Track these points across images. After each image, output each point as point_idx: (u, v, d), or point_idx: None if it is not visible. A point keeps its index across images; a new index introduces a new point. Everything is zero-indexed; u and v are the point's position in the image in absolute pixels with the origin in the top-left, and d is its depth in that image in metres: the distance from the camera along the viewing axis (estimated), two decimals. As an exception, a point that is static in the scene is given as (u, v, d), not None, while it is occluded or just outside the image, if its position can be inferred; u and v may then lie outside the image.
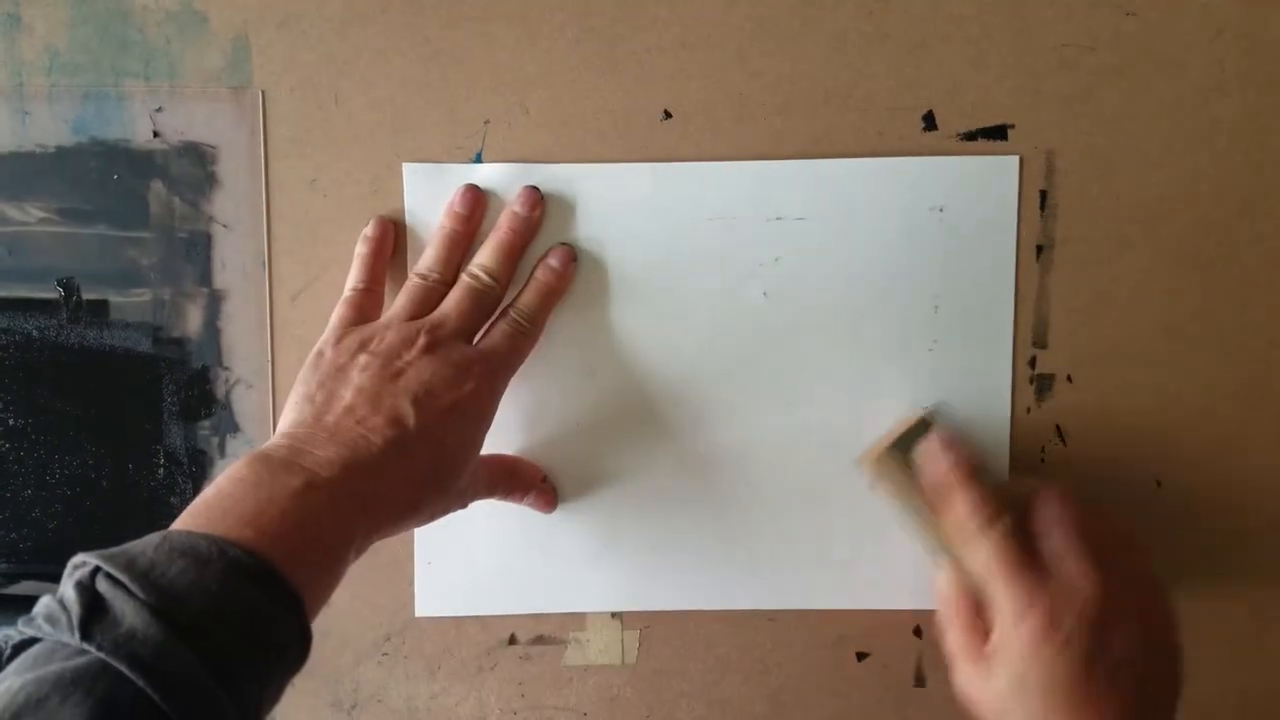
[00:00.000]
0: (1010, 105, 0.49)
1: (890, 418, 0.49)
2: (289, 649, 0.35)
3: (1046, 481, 0.45)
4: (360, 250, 0.48)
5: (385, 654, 0.51)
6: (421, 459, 0.41)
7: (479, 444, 0.45)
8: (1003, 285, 0.49)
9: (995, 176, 0.49)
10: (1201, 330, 0.50)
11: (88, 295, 0.49)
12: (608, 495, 0.50)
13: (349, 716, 0.51)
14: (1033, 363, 0.50)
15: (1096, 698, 0.40)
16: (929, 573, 0.50)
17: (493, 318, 0.47)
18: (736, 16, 0.48)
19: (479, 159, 0.49)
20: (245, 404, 0.50)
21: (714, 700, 0.51)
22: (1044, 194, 0.49)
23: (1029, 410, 0.50)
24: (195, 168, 0.49)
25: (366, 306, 0.47)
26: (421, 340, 0.43)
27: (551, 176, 0.48)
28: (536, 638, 0.51)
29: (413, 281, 0.47)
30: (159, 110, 0.48)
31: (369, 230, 0.48)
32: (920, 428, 0.46)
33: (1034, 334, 0.50)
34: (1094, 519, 0.44)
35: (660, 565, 0.50)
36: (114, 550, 0.34)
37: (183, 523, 0.36)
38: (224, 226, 0.49)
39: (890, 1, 0.48)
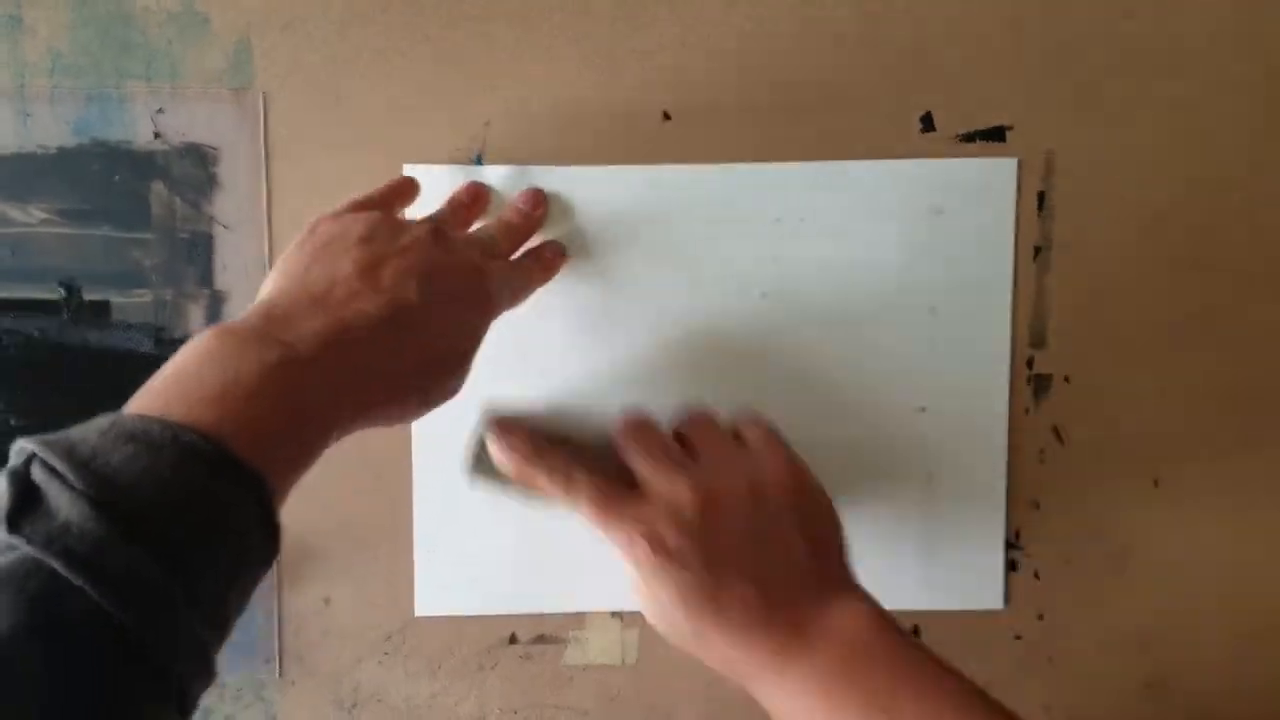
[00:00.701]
0: (1009, 106, 0.49)
1: (889, 419, 0.49)
2: (249, 536, 0.31)
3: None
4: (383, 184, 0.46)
5: (386, 653, 0.51)
6: (421, 339, 0.38)
7: (479, 340, 0.41)
8: (1000, 287, 0.49)
9: (994, 179, 0.49)
10: (1200, 331, 0.50)
11: (89, 296, 0.49)
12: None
13: (349, 715, 0.51)
14: (1030, 363, 0.50)
15: (733, 589, 0.39)
16: (927, 574, 0.50)
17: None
18: (736, 18, 0.48)
19: (479, 160, 0.49)
20: (246, 404, 0.50)
21: (714, 700, 0.51)
22: (1042, 195, 0.49)
23: (1027, 411, 0.50)
24: (197, 169, 0.49)
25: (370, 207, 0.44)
26: (428, 227, 0.40)
27: (552, 178, 0.48)
28: (537, 637, 0.51)
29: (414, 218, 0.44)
30: (160, 111, 0.48)
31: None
32: (477, 436, 0.47)
33: (1032, 335, 0.50)
34: (658, 427, 0.44)
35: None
36: (56, 435, 0.30)
37: (138, 403, 0.32)
38: (225, 227, 0.49)
39: (889, 3, 0.48)
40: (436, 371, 0.39)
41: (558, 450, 0.44)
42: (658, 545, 0.40)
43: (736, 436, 0.45)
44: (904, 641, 0.39)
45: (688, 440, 0.44)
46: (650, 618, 0.42)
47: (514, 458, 0.44)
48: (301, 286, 0.37)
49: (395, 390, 0.37)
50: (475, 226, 0.47)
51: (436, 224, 0.41)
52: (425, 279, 0.38)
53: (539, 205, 0.48)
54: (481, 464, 0.47)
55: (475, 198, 0.48)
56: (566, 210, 0.49)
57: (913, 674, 0.38)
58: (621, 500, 0.42)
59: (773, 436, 0.44)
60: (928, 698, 0.37)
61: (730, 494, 0.41)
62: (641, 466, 0.43)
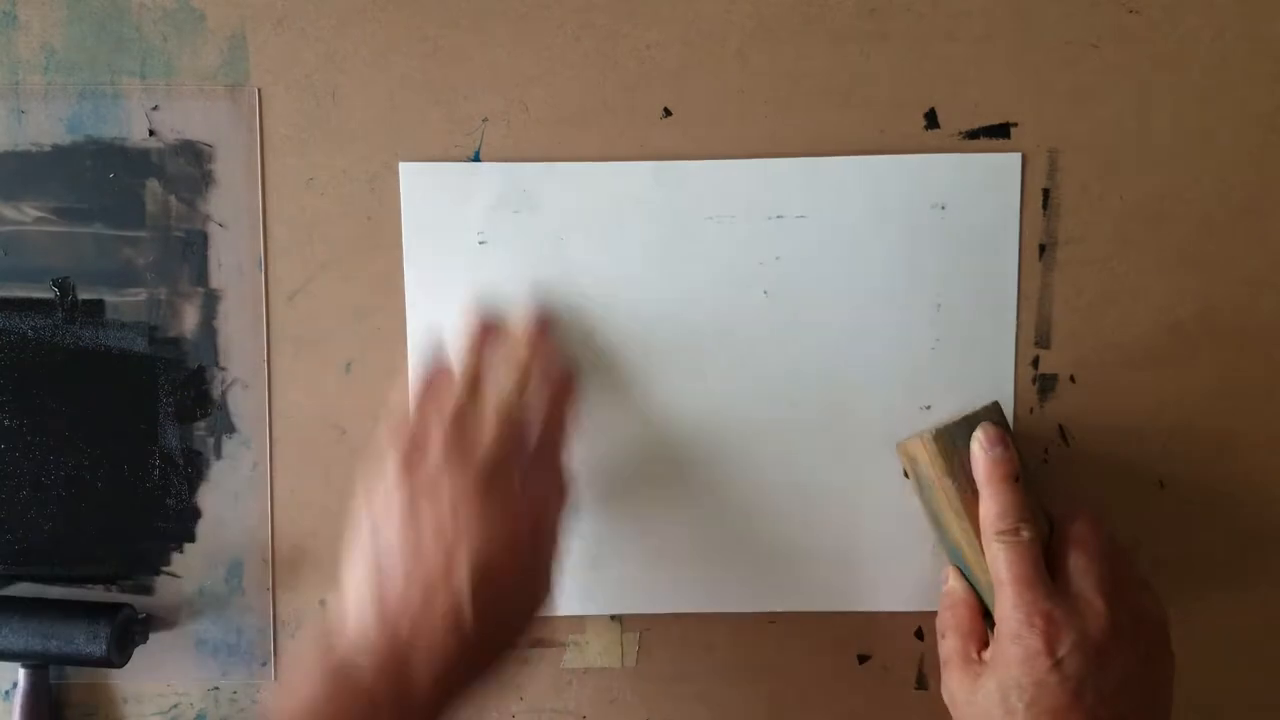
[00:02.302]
0: (1013, 103, 0.48)
1: (892, 418, 0.49)
2: None
3: (1080, 505, 0.45)
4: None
5: (383, 656, 0.51)
6: (499, 651, 0.42)
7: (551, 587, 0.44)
8: (1005, 284, 0.49)
9: (997, 174, 0.48)
10: (1205, 330, 0.49)
11: (83, 295, 0.49)
12: (607, 497, 0.50)
13: (346, 719, 0.51)
14: (1035, 363, 0.49)
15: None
16: (931, 575, 0.50)
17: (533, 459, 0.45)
18: (737, 13, 0.48)
19: (477, 157, 0.48)
20: (241, 404, 0.49)
21: (714, 703, 0.51)
22: (1047, 192, 0.49)
23: (1032, 411, 0.50)
24: (191, 166, 0.48)
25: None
26: (474, 480, 0.41)
27: (550, 175, 0.48)
28: (535, 640, 0.51)
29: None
30: (155, 108, 0.48)
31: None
32: (970, 422, 0.45)
33: (1037, 334, 0.49)
34: (1116, 549, 0.44)
35: (660, 567, 0.50)
36: None
37: None
38: (220, 225, 0.49)
39: (891, -1, 0.48)
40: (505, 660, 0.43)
41: (1023, 493, 0.44)
42: (1049, 644, 0.41)
43: (1121, 573, 0.44)
44: None
45: (1111, 570, 0.43)
46: (963, 693, 0.43)
47: (996, 469, 0.44)
48: (378, 611, 0.40)
49: (492, 674, 0.42)
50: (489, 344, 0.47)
51: (478, 469, 0.42)
52: (478, 590, 0.40)
53: (549, 327, 0.47)
54: (939, 445, 0.45)
55: (489, 332, 0.46)
56: (565, 207, 0.48)
57: None
58: (1043, 583, 0.42)
59: (1167, 631, 0.45)
60: None
61: (1130, 643, 0.42)
62: (1083, 569, 0.43)
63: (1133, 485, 0.50)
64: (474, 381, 0.44)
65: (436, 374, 0.45)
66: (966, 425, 0.45)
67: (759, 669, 0.51)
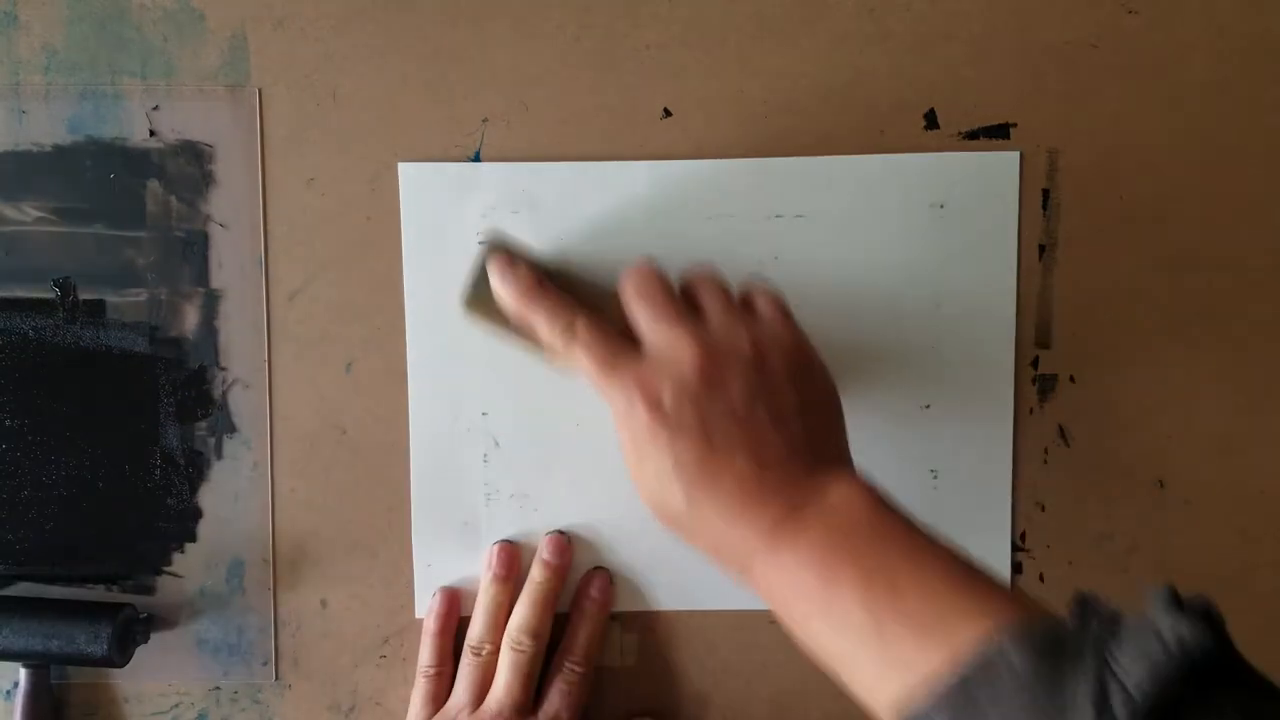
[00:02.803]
0: (1012, 104, 0.48)
1: (892, 418, 0.49)
2: None
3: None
4: (429, 627, 0.49)
5: (384, 656, 0.51)
6: None
7: None
8: (1004, 284, 0.49)
9: (996, 173, 0.48)
10: (1205, 330, 0.49)
11: (84, 295, 0.49)
12: (607, 496, 0.50)
13: (346, 719, 0.51)
14: (1035, 363, 0.49)
15: (729, 461, 0.38)
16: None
17: (548, 674, 0.49)
18: (737, 14, 0.48)
19: (477, 158, 0.48)
20: (242, 404, 0.49)
21: (714, 703, 0.51)
22: (1046, 193, 0.49)
23: (1032, 410, 0.50)
24: (192, 167, 0.48)
25: (438, 692, 0.49)
26: None
27: (550, 175, 0.48)
28: (535, 640, 0.51)
29: (467, 660, 0.48)
30: (155, 109, 0.48)
31: (436, 605, 0.50)
32: (481, 272, 0.45)
33: (1037, 333, 0.49)
34: (663, 277, 0.42)
35: (659, 566, 0.50)
36: None
37: None
38: (221, 226, 0.49)
39: (891, -1, 0.48)
40: None
41: (561, 292, 0.43)
42: (655, 408, 0.38)
43: (745, 302, 0.43)
44: (899, 517, 0.37)
45: (694, 298, 0.42)
46: (642, 490, 0.40)
47: (516, 290, 0.43)
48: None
49: None
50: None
51: None
52: None
53: (564, 553, 0.49)
54: (479, 295, 0.45)
55: (510, 566, 0.49)
56: (565, 207, 0.48)
57: (909, 546, 0.36)
58: (621, 356, 0.40)
59: (781, 305, 0.43)
60: (927, 569, 0.35)
61: (732, 355, 0.39)
62: (643, 319, 0.41)
63: (1133, 485, 0.50)
64: (491, 617, 0.49)
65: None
66: (482, 277, 0.44)
67: (759, 668, 0.51)
